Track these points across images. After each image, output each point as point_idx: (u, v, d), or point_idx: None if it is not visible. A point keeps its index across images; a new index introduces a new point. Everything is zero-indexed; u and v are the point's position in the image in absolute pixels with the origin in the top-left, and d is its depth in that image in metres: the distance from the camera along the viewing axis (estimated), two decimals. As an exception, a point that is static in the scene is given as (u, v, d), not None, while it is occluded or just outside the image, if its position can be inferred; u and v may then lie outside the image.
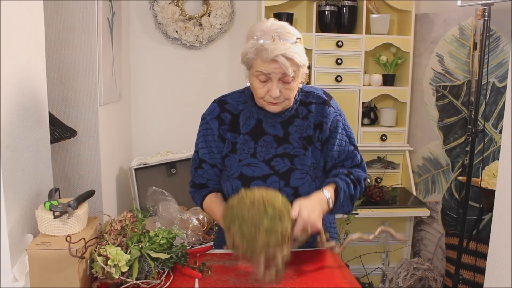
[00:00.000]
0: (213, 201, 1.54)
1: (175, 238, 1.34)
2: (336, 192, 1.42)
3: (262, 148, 1.48)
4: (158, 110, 3.09)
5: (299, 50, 1.36)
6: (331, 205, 1.39)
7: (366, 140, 2.96)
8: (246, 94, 1.51)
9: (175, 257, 1.30)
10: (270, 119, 1.48)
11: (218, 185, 1.57)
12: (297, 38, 1.37)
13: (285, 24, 1.39)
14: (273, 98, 1.38)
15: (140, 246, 1.25)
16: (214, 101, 1.55)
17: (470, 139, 2.39)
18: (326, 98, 1.52)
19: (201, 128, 1.56)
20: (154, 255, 1.26)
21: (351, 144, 1.52)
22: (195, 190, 1.60)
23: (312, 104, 1.50)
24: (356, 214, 2.62)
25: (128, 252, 1.23)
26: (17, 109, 1.23)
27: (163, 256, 1.27)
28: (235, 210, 1.22)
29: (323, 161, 1.51)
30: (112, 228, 1.27)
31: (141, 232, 1.30)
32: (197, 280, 1.27)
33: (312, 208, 1.32)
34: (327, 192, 1.40)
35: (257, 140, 1.49)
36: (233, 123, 1.50)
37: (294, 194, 1.45)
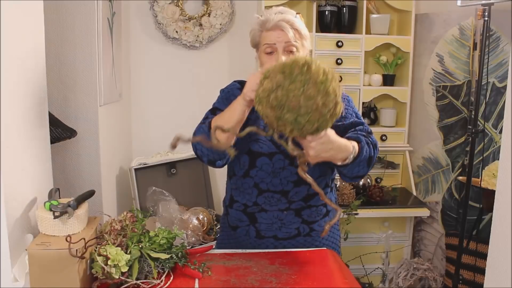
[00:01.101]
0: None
1: (175, 238, 1.34)
2: (360, 147, 1.36)
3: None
4: (158, 110, 3.09)
5: (299, 21, 1.48)
6: (351, 158, 1.33)
7: (366, 140, 2.96)
8: None
9: (175, 257, 1.30)
10: None
11: None
12: (297, 13, 1.50)
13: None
14: None
15: (140, 246, 1.25)
16: (235, 81, 1.64)
17: (470, 139, 2.39)
18: None
19: (221, 94, 1.61)
20: (154, 255, 1.26)
21: (357, 118, 1.52)
22: (200, 125, 1.47)
23: None
24: (356, 214, 2.62)
25: (128, 252, 1.23)
26: (17, 109, 1.23)
27: (163, 256, 1.27)
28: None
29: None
30: (112, 228, 1.27)
31: (141, 232, 1.30)
32: (197, 280, 1.27)
33: (331, 148, 1.25)
34: (354, 143, 1.35)
35: None
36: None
37: (297, 173, 1.41)
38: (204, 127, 1.43)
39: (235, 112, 1.34)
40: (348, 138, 1.38)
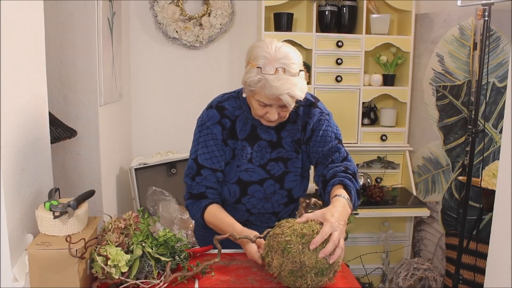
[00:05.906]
0: (219, 211, 1.47)
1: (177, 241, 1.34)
2: (348, 191, 1.38)
3: (257, 153, 1.51)
4: (158, 110, 3.09)
5: (301, 83, 1.36)
6: (351, 206, 1.36)
7: (366, 140, 2.96)
8: (241, 100, 1.52)
9: (178, 258, 1.30)
10: (264, 125, 1.50)
11: (217, 195, 1.52)
12: (300, 70, 1.36)
13: (289, 51, 1.37)
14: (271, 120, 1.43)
15: (143, 245, 1.25)
16: (211, 107, 1.53)
17: (470, 139, 2.39)
18: (313, 100, 1.56)
19: (200, 134, 1.51)
20: (156, 255, 1.26)
21: (336, 139, 1.52)
22: (193, 202, 1.51)
23: (300, 107, 1.53)
24: (356, 214, 2.62)
25: (130, 249, 1.23)
26: (17, 109, 1.23)
27: (165, 258, 1.27)
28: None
29: (310, 157, 1.54)
30: (116, 226, 1.26)
31: (146, 232, 1.29)
32: (197, 280, 1.27)
33: (342, 225, 1.25)
34: (344, 195, 1.35)
35: (253, 145, 1.51)
36: (231, 129, 1.51)
37: (288, 196, 1.54)
38: (198, 212, 1.49)
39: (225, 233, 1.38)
40: (333, 184, 1.40)
